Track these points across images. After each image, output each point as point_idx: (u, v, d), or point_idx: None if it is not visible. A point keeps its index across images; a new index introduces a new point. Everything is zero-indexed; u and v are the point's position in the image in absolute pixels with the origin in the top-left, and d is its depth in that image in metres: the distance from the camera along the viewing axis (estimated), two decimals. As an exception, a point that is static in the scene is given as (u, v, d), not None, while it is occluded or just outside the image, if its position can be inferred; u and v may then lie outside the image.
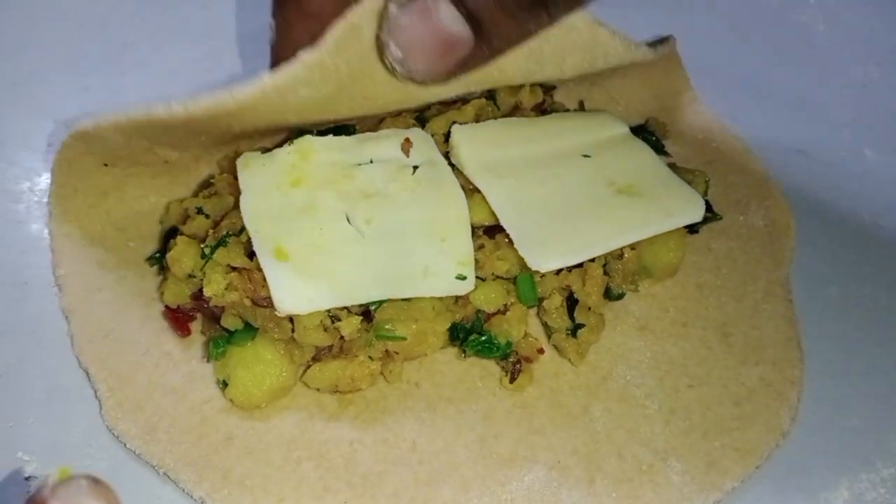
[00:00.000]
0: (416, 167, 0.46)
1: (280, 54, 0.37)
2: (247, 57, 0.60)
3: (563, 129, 0.49)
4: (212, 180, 0.47)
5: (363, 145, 0.46)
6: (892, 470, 0.44)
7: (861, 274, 0.51)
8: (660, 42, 0.50)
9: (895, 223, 0.53)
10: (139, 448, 0.42)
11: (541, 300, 0.46)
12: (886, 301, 0.50)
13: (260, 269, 0.41)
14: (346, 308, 0.42)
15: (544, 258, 0.44)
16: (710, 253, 0.51)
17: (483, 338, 0.44)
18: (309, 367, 0.44)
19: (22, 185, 0.52)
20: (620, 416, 0.44)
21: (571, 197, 0.46)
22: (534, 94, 0.50)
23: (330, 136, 0.46)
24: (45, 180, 0.52)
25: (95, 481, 0.31)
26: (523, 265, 0.44)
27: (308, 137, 0.45)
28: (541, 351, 0.45)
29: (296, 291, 0.41)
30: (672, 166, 0.50)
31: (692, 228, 0.49)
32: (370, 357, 0.43)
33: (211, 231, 0.43)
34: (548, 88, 0.51)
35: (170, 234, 0.46)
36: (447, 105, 0.49)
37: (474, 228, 0.45)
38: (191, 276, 0.43)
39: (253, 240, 0.42)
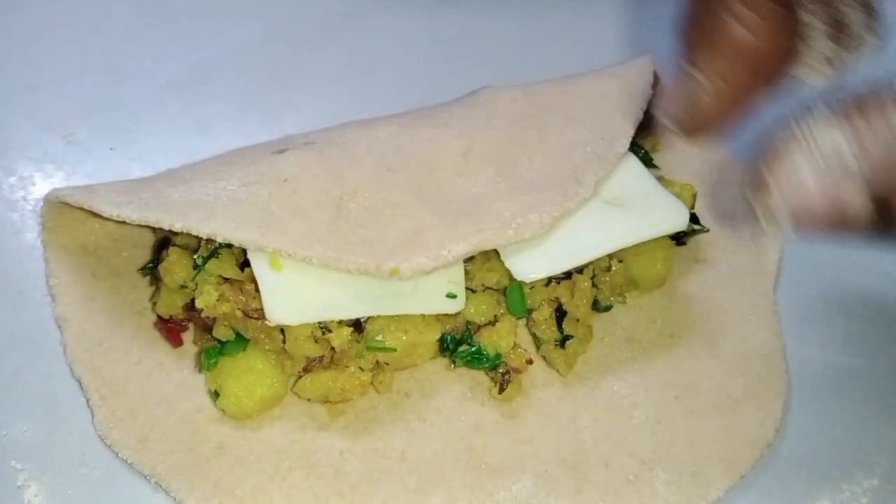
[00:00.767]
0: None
1: (700, 102, 0.33)
2: (243, 67, 0.61)
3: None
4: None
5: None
6: (874, 481, 0.44)
7: (847, 288, 0.52)
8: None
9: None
10: (131, 457, 0.42)
11: (530, 311, 0.46)
12: (875, 311, 0.50)
13: (252, 281, 0.42)
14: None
15: (530, 268, 0.44)
16: (697, 265, 0.52)
17: (472, 349, 0.45)
18: (300, 377, 0.44)
19: (17, 193, 0.53)
20: (608, 426, 0.45)
21: None
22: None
23: None
24: (39, 189, 0.52)
25: None
26: (512, 277, 0.45)
27: None
28: (530, 361, 0.46)
29: (287, 303, 0.41)
30: (660, 179, 0.50)
31: (680, 240, 0.50)
32: (360, 368, 0.44)
33: (203, 242, 0.44)
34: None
35: (162, 245, 0.46)
36: None
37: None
38: (183, 286, 0.43)
39: (247, 249, 0.42)
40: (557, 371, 0.46)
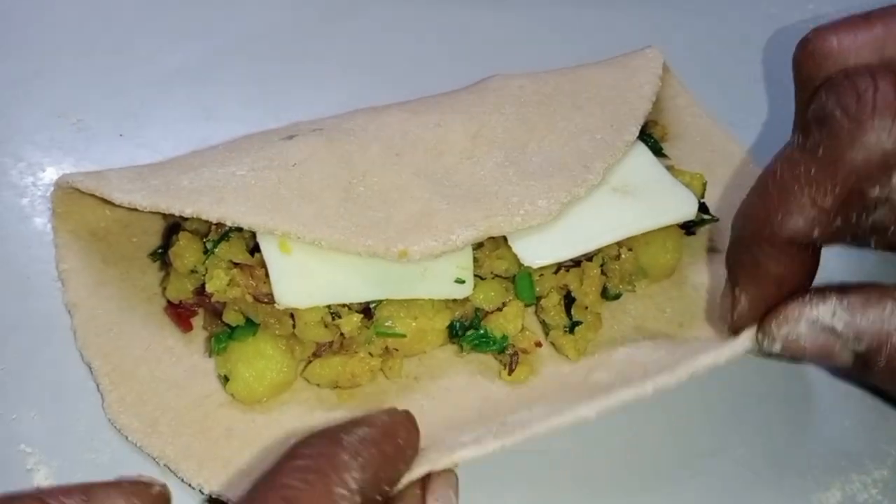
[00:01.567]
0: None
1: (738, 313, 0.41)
2: (253, 56, 0.61)
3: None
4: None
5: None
6: (884, 471, 0.44)
7: (854, 279, 0.51)
8: None
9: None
10: (141, 441, 0.42)
11: (539, 299, 0.46)
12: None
13: (262, 266, 0.42)
14: (346, 305, 0.42)
15: (538, 254, 0.44)
16: (706, 255, 0.51)
17: (479, 332, 0.45)
18: (310, 362, 0.44)
19: (26, 179, 0.53)
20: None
21: None
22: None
23: None
24: (48, 175, 0.53)
25: None
26: (521, 265, 0.45)
27: None
28: (538, 344, 0.46)
29: (297, 286, 0.41)
30: (669, 168, 0.50)
31: (689, 230, 0.50)
32: (370, 353, 0.44)
33: (213, 227, 0.44)
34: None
35: (172, 231, 0.46)
36: None
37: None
38: (193, 271, 0.43)
39: (257, 232, 0.42)
40: (566, 356, 0.46)
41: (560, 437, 0.40)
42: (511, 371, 0.45)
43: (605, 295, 0.47)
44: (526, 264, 0.44)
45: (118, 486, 0.32)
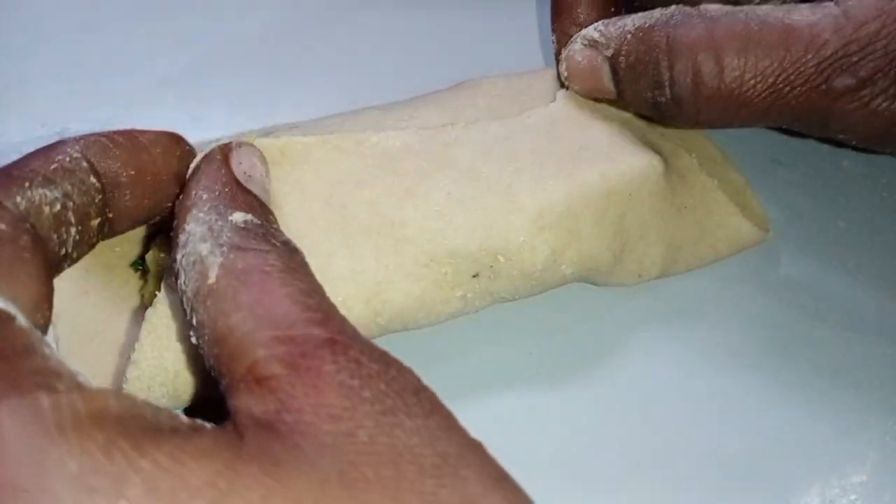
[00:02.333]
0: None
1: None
2: (240, 63, 0.61)
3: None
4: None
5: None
6: (863, 476, 0.45)
7: (837, 284, 0.52)
8: None
9: (871, 233, 0.54)
10: (121, 450, 0.42)
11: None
12: (861, 311, 0.51)
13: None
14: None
15: None
16: None
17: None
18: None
19: (10, 189, 0.53)
20: None
21: None
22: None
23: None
24: (33, 185, 0.52)
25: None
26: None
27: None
28: None
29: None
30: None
31: None
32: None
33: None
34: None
35: (152, 238, 0.46)
36: None
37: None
38: (173, 277, 0.43)
39: None
40: None
41: (546, 439, 0.40)
42: None
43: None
44: None
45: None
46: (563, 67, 0.47)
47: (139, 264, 0.47)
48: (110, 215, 0.37)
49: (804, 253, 0.53)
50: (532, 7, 0.65)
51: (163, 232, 0.45)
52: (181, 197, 0.37)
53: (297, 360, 0.28)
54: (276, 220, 0.37)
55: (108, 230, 0.38)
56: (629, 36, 0.43)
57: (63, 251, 0.34)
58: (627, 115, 0.50)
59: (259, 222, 0.34)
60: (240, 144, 0.38)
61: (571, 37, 0.47)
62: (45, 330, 0.32)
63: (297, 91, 0.59)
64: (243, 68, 0.60)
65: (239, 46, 0.62)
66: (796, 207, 0.55)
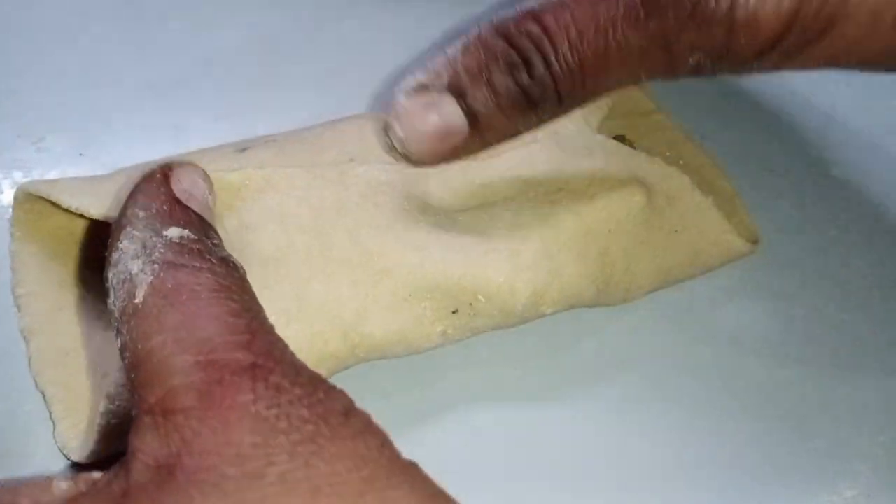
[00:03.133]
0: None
1: None
2: (222, 72, 0.60)
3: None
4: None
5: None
6: (855, 492, 0.44)
7: (827, 295, 0.51)
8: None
9: (861, 242, 0.54)
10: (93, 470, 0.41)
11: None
12: (851, 322, 0.50)
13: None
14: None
15: None
16: None
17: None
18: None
19: (-12, 201, 0.52)
20: None
21: None
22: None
23: None
24: (7, 197, 0.52)
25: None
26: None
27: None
28: None
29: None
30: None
31: None
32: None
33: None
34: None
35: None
36: None
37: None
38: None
39: None
40: None
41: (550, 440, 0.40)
42: None
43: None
44: None
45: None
46: (394, 134, 0.36)
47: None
48: None
49: (794, 263, 0.52)
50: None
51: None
52: (117, 215, 0.35)
53: (212, 390, 0.26)
54: (217, 236, 0.35)
55: None
56: (465, 49, 0.35)
57: None
58: (611, 144, 0.49)
59: (196, 237, 0.33)
60: (182, 164, 0.37)
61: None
62: None
63: (281, 101, 0.59)
64: (226, 78, 0.60)
65: (221, 56, 0.61)
66: (786, 216, 0.55)
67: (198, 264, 0.31)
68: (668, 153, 0.56)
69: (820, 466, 0.44)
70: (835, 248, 0.53)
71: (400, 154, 0.37)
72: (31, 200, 0.45)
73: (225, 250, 0.34)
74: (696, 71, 0.36)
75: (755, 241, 0.52)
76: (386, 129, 0.37)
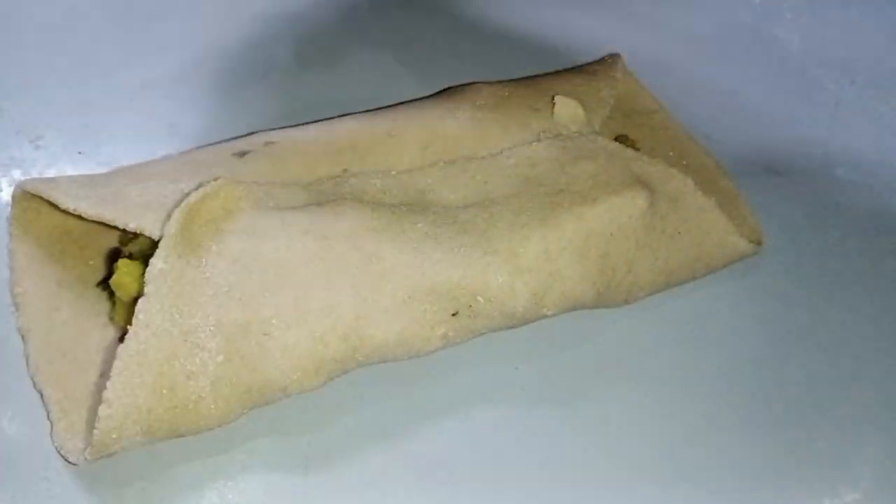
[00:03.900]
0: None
1: None
2: (217, 70, 0.60)
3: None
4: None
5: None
6: (856, 495, 0.43)
7: (829, 296, 0.51)
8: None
9: (865, 242, 0.53)
10: (91, 469, 0.41)
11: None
12: (853, 324, 0.49)
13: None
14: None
15: None
16: None
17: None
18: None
19: (-15, 199, 0.52)
20: None
21: None
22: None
23: None
24: (5, 195, 0.51)
25: None
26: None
27: None
28: None
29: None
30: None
31: None
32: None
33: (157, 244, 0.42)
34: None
35: (114, 256, 0.45)
36: None
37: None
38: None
39: None
40: None
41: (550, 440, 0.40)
42: None
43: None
44: None
45: None
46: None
47: (106, 284, 0.46)
48: None
49: (798, 265, 0.52)
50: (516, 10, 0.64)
51: (122, 253, 0.44)
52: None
53: None
54: None
55: None
56: None
57: None
58: (614, 146, 0.48)
59: None
60: None
61: None
62: None
63: (277, 99, 0.58)
64: (221, 76, 0.59)
65: (217, 53, 0.61)
66: (790, 217, 0.54)
67: None
68: (670, 153, 0.56)
69: (820, 470, 0.44)
70: (836, 249, 0.53)
71: None
72: (30, 198, 0.45)
73: None
74: None
75: (759, 242, 0.52)
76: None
